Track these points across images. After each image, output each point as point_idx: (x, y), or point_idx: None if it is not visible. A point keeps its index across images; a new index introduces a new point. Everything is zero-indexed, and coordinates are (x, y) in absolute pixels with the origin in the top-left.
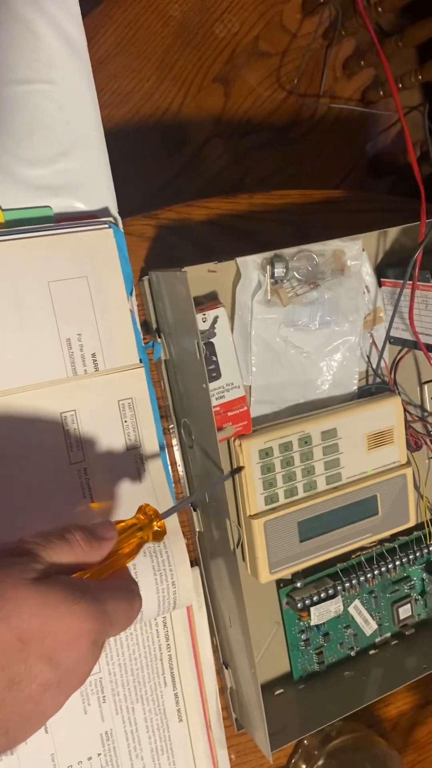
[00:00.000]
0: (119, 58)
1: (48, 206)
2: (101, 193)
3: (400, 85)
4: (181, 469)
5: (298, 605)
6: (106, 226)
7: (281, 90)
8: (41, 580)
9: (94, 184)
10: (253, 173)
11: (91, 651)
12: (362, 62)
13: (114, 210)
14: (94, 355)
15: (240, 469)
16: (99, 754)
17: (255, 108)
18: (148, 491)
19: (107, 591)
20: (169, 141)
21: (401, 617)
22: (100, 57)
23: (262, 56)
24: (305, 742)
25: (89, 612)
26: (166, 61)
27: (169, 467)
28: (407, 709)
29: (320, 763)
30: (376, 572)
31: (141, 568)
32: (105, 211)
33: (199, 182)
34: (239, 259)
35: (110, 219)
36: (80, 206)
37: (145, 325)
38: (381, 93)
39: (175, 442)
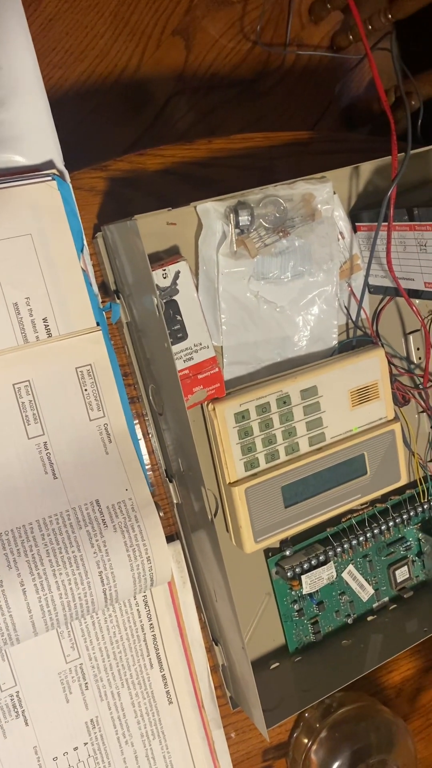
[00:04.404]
0: (70, 13)
1: None
2: (44, 145)
3: (370, 27)
4: (154, 439)
5: (288, 574)
6: (50, 178)
7: (246, 41)
8: None
9: (35, 136)
10: (221, 131)
11: None
12: (328, 5)
13: (59, 163)
14: (45, 319)
15: None
16: (86, 743)
17: (219, 61)
18: (115, 463)
19: None
20: (129, 101)
21: (399, 580)
22: (50, 13)
23: (223, 5)
24: (306, 715)
25: None
26: (120, 15)
27: (141, 438)
28: (411, 675)
29: (323, 735)
30: (369, 535)
31: (112, 545)
32: (49, 165)
33: (164, 144)
34: (199, 208)
35: (53, 171)
36: (21, 160)
37: (104, 288)
38: (350, 37)
39: (146, 411)
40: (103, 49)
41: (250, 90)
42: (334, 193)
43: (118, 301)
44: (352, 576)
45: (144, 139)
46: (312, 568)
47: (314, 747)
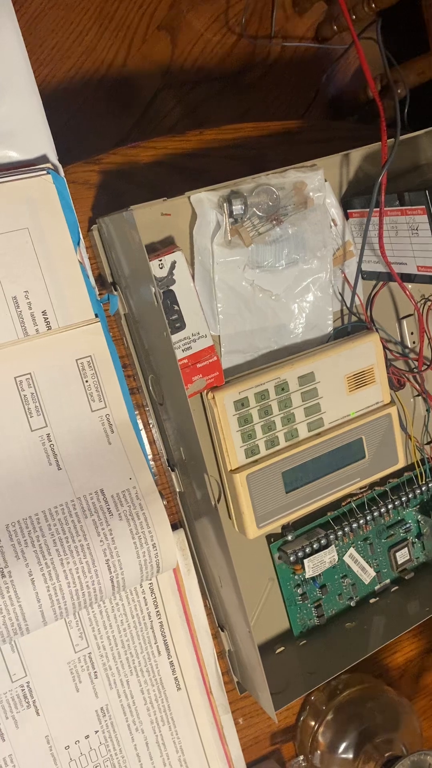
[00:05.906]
0: (55, 10)
1: None
2: (37, 139)
3: (354, 17)
4: (155, 429)
5: (291, 558)
6: (44, 172)
7: (231, 34)
8: None
9: (28, 131)
10: (209, 124)
11: None
12: None
13: (53, 157)
14: (44, 312)
15: None
16: (96, 731)
17: (205, 55)
18: (118, 453)
19: None
20: (117, 97)
21: (399, 562)
22: (35, 10)
23: None
24: (312, 698)
25: None
26: (105, 11)
27: (142, 429)
28: (414, 656)
29: (329, 717)
30: (369, 518)
31: (118, 533)
32: (43, 159)
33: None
34: (193, 198)
35: (48, 165)
36: (14, 155)
37: (101, 280)
38: (335, 28)
39: (146, 402)
40: (89, 45)
41: (236, 83)
42: (325, 180)
43: (115, 292)
44: (354, 559)
45: (133, 135)
46: (314, 552)
47: (321, 729)
